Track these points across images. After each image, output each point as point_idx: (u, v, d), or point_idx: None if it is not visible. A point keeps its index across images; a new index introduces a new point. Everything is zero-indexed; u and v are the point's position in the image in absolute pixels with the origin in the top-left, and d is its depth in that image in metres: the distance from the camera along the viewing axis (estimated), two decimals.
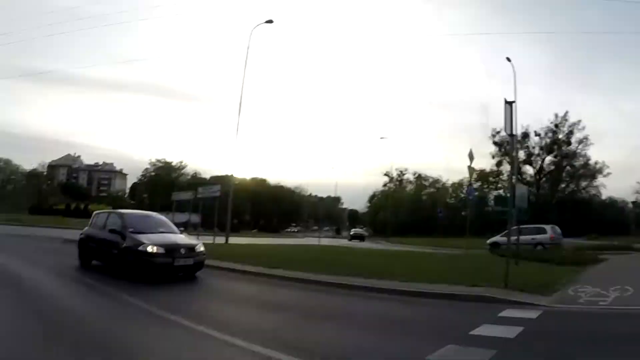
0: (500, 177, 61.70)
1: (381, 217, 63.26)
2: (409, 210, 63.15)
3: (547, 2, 77.64)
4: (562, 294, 7.83)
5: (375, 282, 8.68)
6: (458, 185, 64.12)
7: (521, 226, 14.68)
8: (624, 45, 75.04)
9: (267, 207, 77.49)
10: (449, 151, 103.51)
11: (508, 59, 22.65)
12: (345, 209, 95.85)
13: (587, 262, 13.63)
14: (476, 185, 55.54)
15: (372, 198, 73.94)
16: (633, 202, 41.94)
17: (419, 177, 72.02)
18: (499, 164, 60.97)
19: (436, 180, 70.44)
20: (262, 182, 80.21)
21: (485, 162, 60.66)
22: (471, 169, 16.01)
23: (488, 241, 22.32)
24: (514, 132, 7.22)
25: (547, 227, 21.05)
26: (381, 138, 64.15)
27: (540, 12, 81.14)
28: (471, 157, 15.74)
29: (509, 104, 7.68)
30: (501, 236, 18.60)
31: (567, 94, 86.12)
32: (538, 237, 19.82)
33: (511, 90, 20.86)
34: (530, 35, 75.54)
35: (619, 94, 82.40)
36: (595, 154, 64.52)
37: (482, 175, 60.17)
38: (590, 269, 12.41)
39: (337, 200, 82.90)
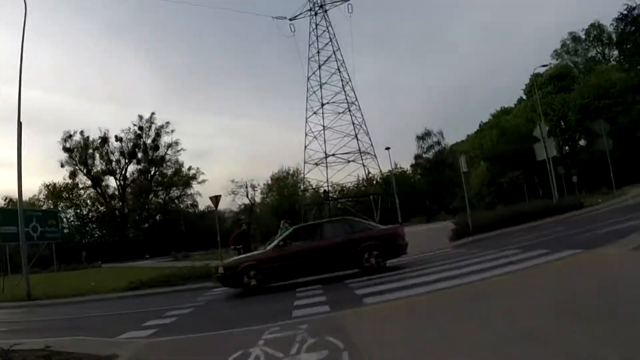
0: (77, 190, 50.39)
1: None
2: None
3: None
4: None
5: None
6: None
7: None
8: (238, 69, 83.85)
9: None
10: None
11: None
12: None
13: None
14: (47, 204, 44.07)
15: None
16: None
17: None
18: (72, 174, 49.85)
19: None
20: None
21: (58, 175, 49.92)
22: None
23: None
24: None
25: None
26: None
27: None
28: None
29: None
30: None
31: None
32: None
33: None
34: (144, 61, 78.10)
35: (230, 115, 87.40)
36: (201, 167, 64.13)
37: (55, 191, 46.96)
38: None
39: None
